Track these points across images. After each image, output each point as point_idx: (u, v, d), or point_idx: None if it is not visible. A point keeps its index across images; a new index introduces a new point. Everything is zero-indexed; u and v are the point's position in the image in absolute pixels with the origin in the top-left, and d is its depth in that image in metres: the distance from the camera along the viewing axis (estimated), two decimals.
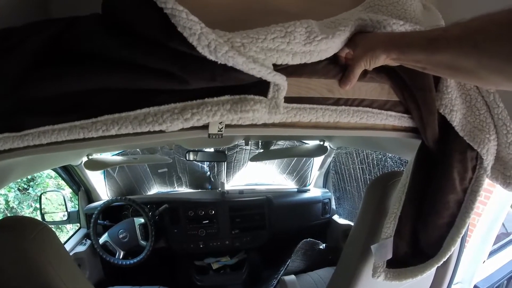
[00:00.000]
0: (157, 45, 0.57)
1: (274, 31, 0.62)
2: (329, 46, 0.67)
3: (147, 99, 0.63)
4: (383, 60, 0.68)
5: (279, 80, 0.65)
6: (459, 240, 0.87)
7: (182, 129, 0.66)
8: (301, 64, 0.67)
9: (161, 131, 0.66)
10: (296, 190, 2.74)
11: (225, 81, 0.63)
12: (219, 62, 0.58)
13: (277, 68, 0.65)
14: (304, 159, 2.73)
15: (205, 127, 0.68)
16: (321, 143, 2.24)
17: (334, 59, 0.72)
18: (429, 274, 1.03)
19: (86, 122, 0.62)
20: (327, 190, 2.76)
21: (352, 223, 2.41)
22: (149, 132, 0.65)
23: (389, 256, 0.90)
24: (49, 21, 0.63)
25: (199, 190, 2.80)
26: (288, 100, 0.70)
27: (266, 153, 2.64)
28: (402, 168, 2.08)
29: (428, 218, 0.88)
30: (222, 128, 0.68)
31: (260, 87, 0.66)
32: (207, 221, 2.37)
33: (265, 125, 0.73)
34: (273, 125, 0.74)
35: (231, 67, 0.60)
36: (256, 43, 0.60)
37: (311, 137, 2.27)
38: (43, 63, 0.60)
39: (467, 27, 0.56)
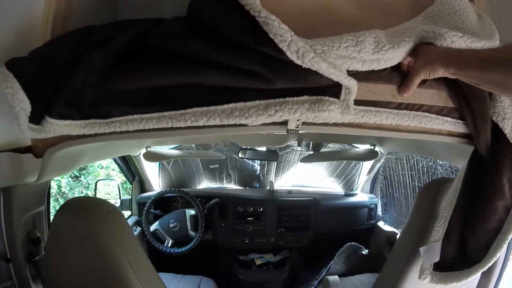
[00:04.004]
0: (247, 48, 0.66)
1: (347, 40, 0.69)
2: (395, 55, 0.73)
3: (235, 95, 0.71)
4: (441, 73, 0.74)
5: (352, 84, 0.72)
6: (505, 246, 0.86)
7: (263, 124, 0.74)
8: (368, 70, 0.74)
9: (242, 125, 0.74)
10: (343, 193, 2.70)
11: (305, 83, 0.71)
12: (303, 66, 0.66)
13: (348, 73, 0.72)
14: (353, 163, 2.70)
15: (284, 123, 0.76)
16: (372, 147, 2.21)
17: (397, 66, 0.78)
18: (473, 280, 1.04)
19: (175, 113, 0.71)
20: (374, 196, 2.71)
21: (397, 231, 2.37)
22: (234, 125, 0.73)
23: (437, 258, 0.92)
24: (135, 21, 0.72)
25: (247, 187, 2.84)
26: (356, 102, 0.77)
27: (317, 155, 2.65)
28: (452, 176, 2.05)
29: (477, 223, 0.88)
30: (299, 125, 0.76)
31: (333, 90, 0.73)
32: (255, 218, 2.39)
33: (335, 124, 0.80)
34: (343, 124, 0.81)
35: (312, 71, 0.67)
36: (332, 50, 0.68)
37: (364, 141, 2.25)
38: (132, 58, 0.69)
39: None
